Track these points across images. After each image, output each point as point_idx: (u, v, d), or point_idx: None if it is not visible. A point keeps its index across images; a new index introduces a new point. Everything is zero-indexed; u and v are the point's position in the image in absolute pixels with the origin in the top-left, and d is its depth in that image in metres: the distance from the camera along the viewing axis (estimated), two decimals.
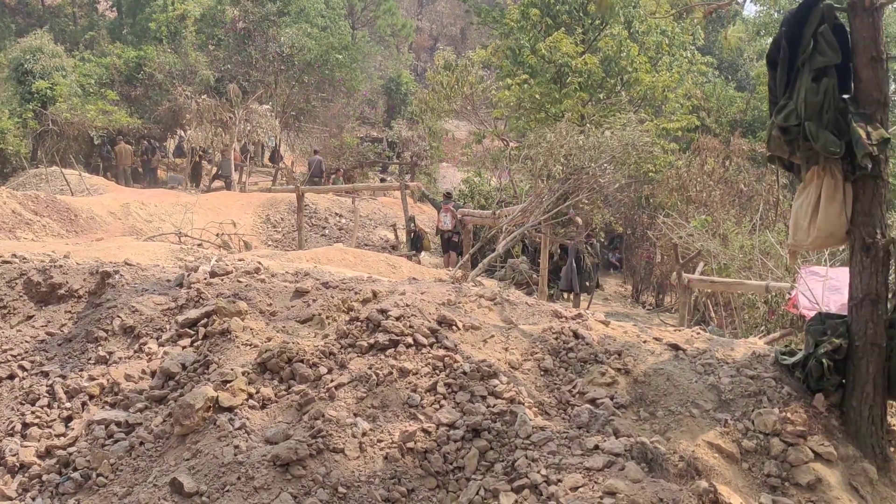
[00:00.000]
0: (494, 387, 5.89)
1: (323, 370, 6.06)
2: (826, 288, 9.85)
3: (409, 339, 6.35)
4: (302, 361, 6.09)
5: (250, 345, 6.49)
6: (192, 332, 6.87)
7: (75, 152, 30.88)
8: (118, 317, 7.17)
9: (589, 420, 5.78)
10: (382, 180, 34.68)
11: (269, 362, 6.10)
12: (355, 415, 5.64)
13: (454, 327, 6.68)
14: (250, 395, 5.84)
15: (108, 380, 6.46)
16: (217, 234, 19.49)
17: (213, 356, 6.35)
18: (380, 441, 5.47)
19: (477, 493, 5.09)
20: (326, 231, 24.79)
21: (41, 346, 7.08)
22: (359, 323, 6.61)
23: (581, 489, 4.95)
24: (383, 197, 29.73)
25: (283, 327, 6.89)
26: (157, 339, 6.96)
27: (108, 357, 6.79)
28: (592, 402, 6.02)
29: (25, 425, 6.16)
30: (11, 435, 6.07)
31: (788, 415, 5.91)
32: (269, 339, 6.57)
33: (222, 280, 7.87)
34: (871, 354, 6.01)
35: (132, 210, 21.31)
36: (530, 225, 14.74)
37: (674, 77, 24.44)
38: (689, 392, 6.18)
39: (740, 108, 31.87)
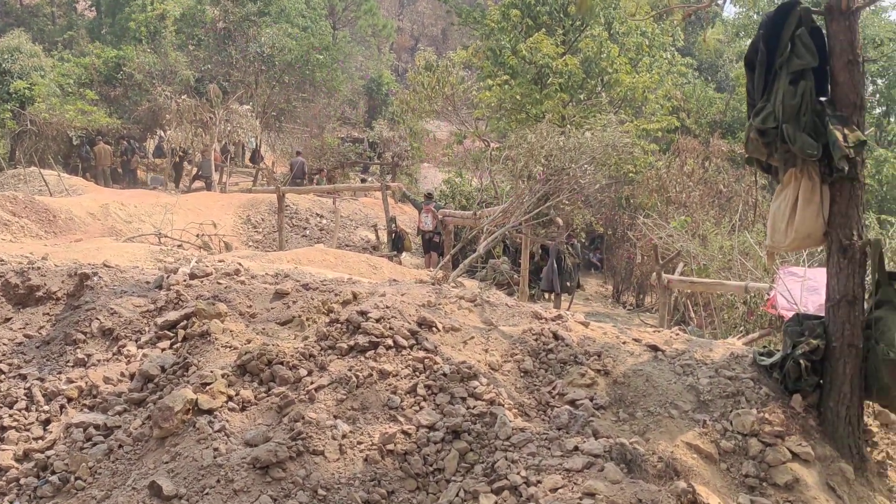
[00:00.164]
0: (474, 388, 5.90)
1: (303, 372, 6.05)
2: (804, 288, 9.92)
3: (389, 341, 6.34)
4: (282, 363, 6.08)
5: (230, 347, 6.46)
6: (172, 335, 6.84)
7: (54, 153, 30.64)
8: (97, 319, 7.12)
9: (568, 421, 5.79)
10: (363, 181, 34.57)
11: (248, 364, 6.07)
12: (335, 417, 5.63)
13: (434, 329, 6.68)
14: (230, 398, 5.81)
15: (86, 382, 6.41)
16: (197, 235, 19.42)
17: (193, 358, 6.32)
18: (360, 443, 5.46)
19: (457, 495, 5.09)
20: (307, 232, 24.74)
21: (19, 348, 7.01)
22: (339, 325, 6.59)
23: (560, 490, 4.96)
24: (364, 197, 29.75)
25: (263, 329, 6.86)
26: (136, 341, 6.92)
27: (86, 360, 6.74)
28: (572, 403, 6.03)
29: (3, 428, 6.09)
30: None
31: (766, 415, 5.94)
32: (249, 341, 6.54)
33: (202, 282, 7.84)
34: (848, 355, 6.05)
35: (111, 211, 21.13)
36: (511, 225, 14.74)
37: (654, 78, 24.56)
38: (668, 393, 6.21)
39: (720, 109, 32.08)
